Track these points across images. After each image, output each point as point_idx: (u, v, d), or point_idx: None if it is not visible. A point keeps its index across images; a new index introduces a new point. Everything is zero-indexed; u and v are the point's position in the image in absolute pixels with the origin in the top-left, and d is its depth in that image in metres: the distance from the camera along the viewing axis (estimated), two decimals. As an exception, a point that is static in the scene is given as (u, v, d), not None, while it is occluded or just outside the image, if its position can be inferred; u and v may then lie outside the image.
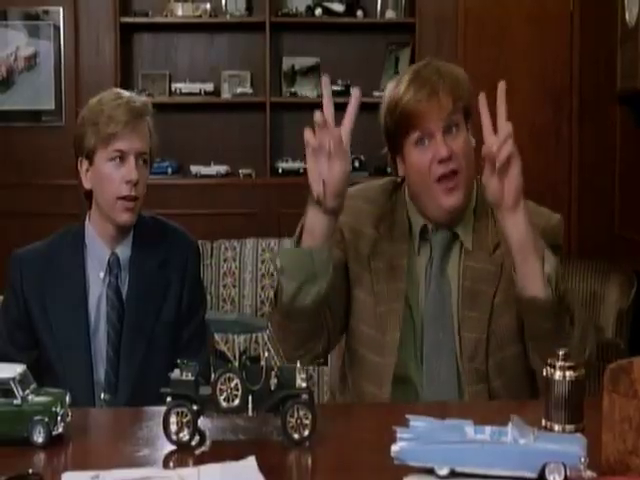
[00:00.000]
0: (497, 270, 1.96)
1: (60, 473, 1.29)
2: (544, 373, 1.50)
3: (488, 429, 1.27)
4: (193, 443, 1.44)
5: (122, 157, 2.13)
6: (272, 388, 1.44)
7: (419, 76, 1.96)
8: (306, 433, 1.43)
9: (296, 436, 1.43)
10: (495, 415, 1.38)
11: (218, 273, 4.70)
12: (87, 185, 2.19)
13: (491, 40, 5.11)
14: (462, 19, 5.11)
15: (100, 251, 2.19)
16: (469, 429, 1.28)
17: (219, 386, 1.43)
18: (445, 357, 1.95)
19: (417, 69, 2.01)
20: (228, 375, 1.43)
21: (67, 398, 1.50)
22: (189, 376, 1.45)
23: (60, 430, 1.45)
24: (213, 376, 1.44)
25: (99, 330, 2.16)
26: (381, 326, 1.96)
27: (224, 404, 1.43)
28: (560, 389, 1.47)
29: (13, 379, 1.44)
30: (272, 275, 4.68)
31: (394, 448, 1.27)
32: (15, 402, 1.44)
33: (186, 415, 1.43)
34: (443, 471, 1.25)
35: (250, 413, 1.44)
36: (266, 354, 1.44)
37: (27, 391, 1.46)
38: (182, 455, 1.42)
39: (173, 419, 1.43)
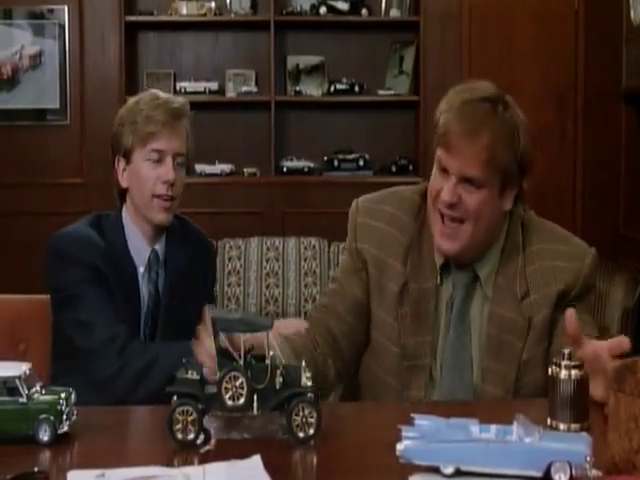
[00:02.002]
0: (525, 323, 1.85)
1: (65, 471, 1.29)
2: (549, 372, 1.50)
3: (493, 428, 1.27)
4: (198, 442, 1.44)
5: (159, 157, 2.13)
6: (277, 387, 1.44)
7: (470, 111, 1.83)
8: (311, 432, 1.43)
9: (301, 435, 1.43)
10: (500, 414, 1.38)
11: (223, 272, 4.70)
12: (124, 184, 2.19)
13: (496, 38, 5.10)
14: (466, 17, 5.11)
15: (141, 247, 2.18)
16: (474, 428, 1.27)
17: (224, 385, 1.43)
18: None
19: (473, 99, 1.86)
20: (233, 374, 1.43)
21: (72, 396, 1.50)
22: (194, 375, 1.45)
23: (65, 428, 1.45)
24: (218, 375, 1.44)
25: (140, 323, 2.17)
26: (405, 381, 1.86)
27: (229, 402, 1.43)
28: (565, 388, 1.46)
29: (19, 377, 1.45)
30: (277, 274, 4.69)
31: (399, 447, 1.27)
32: (21, 400, 1.44)
33: (191, 414, 1.43)
34: (448, 470, 1.25)
35: (255, 412, 1.44)
36: (271, 353, 1.44)
37: (33, 389, 1.46)
38: (187, 454, 1.42)
39: (178, 418, 1.43)
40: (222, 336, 1.45)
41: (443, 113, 1.85)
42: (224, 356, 1.45)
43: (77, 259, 2.10)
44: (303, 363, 1.47)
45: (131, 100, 2.21)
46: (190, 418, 1.43)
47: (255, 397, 1.43)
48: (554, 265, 1.88)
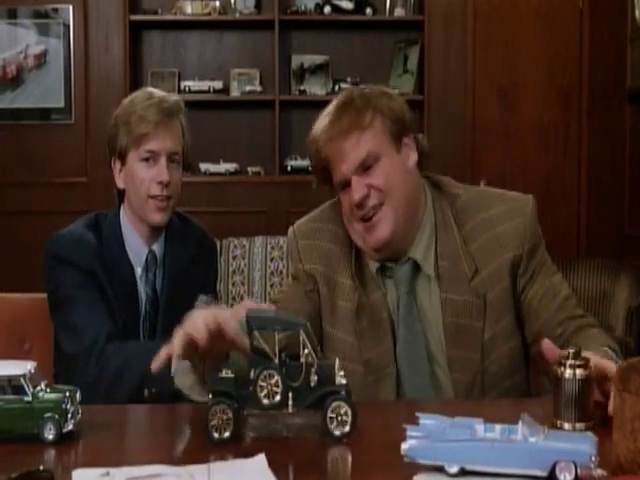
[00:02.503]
0: (480, 302, 1.83)
1: (70, 470, 1.29)
2: (554, 371, 1.50)
3: (498, 427, 1.27)
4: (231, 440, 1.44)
5: (153, 157, 2.13)
6: (312, 385, 1.44)
7: (335, 114, 1.86)
8: (347, 429, 1.44)
9: (337, 432, 1.44)
10: (505, 413, 1.38)
11: (227, 271, 4.71)
12: (120, 185, 2.18)
13: (500, 37, 5.10)
14: (471, 16, 5.10)
15: (138, 248, 2.18)
16: (479, 427, 1.27)
17: (259, 383, 1.44)
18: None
19: (335, 107, 1.89)
20: (269, 372, 1.43)
21: (77, 395, 1.50)
22: (229, 373, 1.46)
23: (70, 427, 1.45)
24: (253, 373, 1.44)
25: (139, 325, 2.17)
26: (373, 396, 1.84)
27: (265, 401, 1.44)
28: (570, 387, 1.46)
29: (24, 376, 1.45)
30: (281, 273, 4.69)
31: (404, 446, 1.27)
32: (26, 399, 1.44)
33: (227, 412, 1.44)
34: (453, 469, 1.25)
35: (290, 410, 1.44)
36: (305, 351, 1.45)
37: (38, 388, 1.46)
38: (192, 452, 1.43)
39: (214, 417, 1.43)
40: (257, 334, 1.45)
41: (312, 147, 1.89)
42: (259, 355, 1.46)
43: (71, 262, 2.10)
44: (337, 361, 1.47)
45: (125, 100, 2.21)
46: (225, 417, 1.44)
47: (290, 395, 1.44)
48: (496, 233, 1.85)
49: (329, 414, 1.44)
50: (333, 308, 1.89)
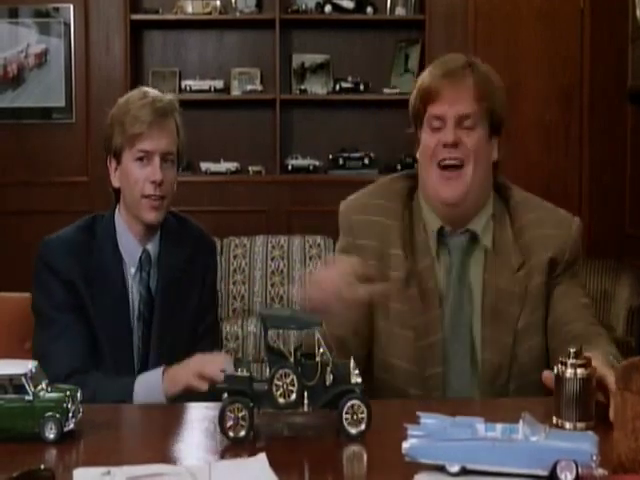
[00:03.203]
0: (522, 292, 1.90)
1: (71, 469, 1.29)
2: (555, 371, 1.50)
3: (499, 426, 1.27)
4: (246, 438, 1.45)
5: (147, 157, 2.13)
6: (327, 384, 1.45)
7: (449, 62, 1.95)
8: (362, 427, 1.44)
9: (352, 431, 1.44)
10: (506, 412, 1.38)
11: (228, 270, 4.71)
12: (115, 183, 2.19)
13: (501, 37, 5.10)
14: (472, 16, 5.10)
15: (132, 247, 2.18)
16: (480, 426, 1.27)
17: (275, 382, 1.44)
18: (463, 374, 1.89)
19: (449, 57, 1.99)
20: (284, 371, 1.44)
21: (78, 394, 1.50)
22: (244, 372, 1.46)
23: (71, 426, 1.45)
24: (268, 372, 1.45)
25: (134, 325, 2.17)
26: (422, 362, 1.89)
27: (280, 400, 1.44)
28: (571, 387, 1.46)
29: (25, 375, 1.45)
30: (282, 272, 4.69)
31: (405, 445, 1.27)
32: (27, 398, 1.44)
33: (242, 410, 1.44)
34: (454, 468, 1.25)
35: (306, 409, 1.45)
36: (320, 350, 1.45)
37: (39, 387, 1.46)
38: (193, 452, 1.43)
39: (229, 415, 1.44)
40: (271, 333, 1.45)
41: (422, 79, 1.95)
42: (274, 354, 1.46)
43: (56, 271, 2.12)
44: (352, 361, 1.47)
45: (121, 99, 2.21)
46: (241, 415, 1.44)
47: (306, 394, 1.44)
48: (543, 233, 1.94)
49: (345, 413, 1.44)
50: (384, 279, 1.91)
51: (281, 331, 1.51)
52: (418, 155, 1.95)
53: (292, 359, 1.45)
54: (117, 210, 2.22)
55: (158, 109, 2.14)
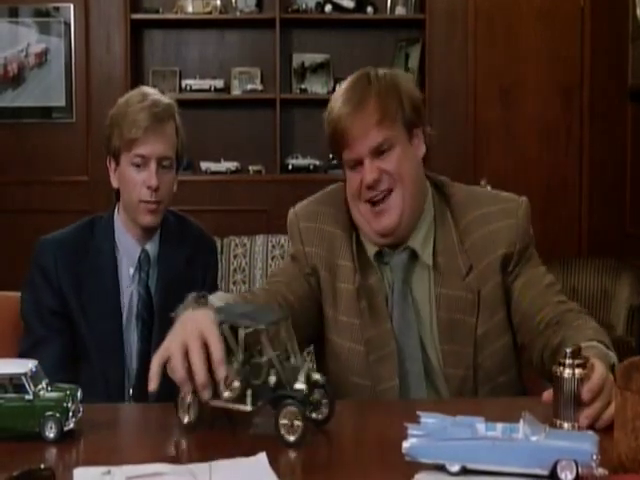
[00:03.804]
0: (474, 298, 1.85)
1: (71, 468, 1.29)
2: (553, 371, 1.49)
3: (499, 426, 1.27)
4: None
5: (144, 162, 2.13)
6: (271, 385, 1.44)
7: (350, 93, 1.85)
8: (293, 438, 1.40)
9: (288, 437, 1.41)
10: (506, 412, 1.38)
11: (228, 269, 4.71)
12: (115, 184, 2.20)
13: (501, 36, 5.10)
14: (472, 15, 5.10)
15: (131, 247, 2.19)
16: (480, 426, 1.27)
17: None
18: (419, 389, 1.85)
19: (350, 86, 1.87)
20: (229, 366, 1.43)
21: (79, 394, 1.50)
22: None
23: (71, 425, 1.45)
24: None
25: (130, 326, 2.17)
26: (376, 376, 1.85)
27: (225, 394, 1.43)
28: (569, 387, 1.46)
29: (25, 374, 1.45)
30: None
31: (405, 445, 1.27)
32: (27, 397, 1.44)
33: (191, 399, 1.47)
34: (454, 468, 1.25)
35: (249, 407, 1.43)
36: (269, 350, 1.44)
37: (39, 386, 1.46)
38: (194, 451, 1.43)
39: (182, 402, 1.49)
40: (224, 327, 1.45)
41: (329, 120, 1.87)
42: (227, 348, 1.45)
43: (45, 273, 2.14)
44: (306, 365, 1.46)
45: (121, 100, 2.21)
46: (189, 402, 1.48)
47: (249, 392, 1.43)
48: (489, 230, 1.88)
49: (281, 419, 1.41)
50: (335, 291, 1.90)
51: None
52: (346, 190, 1.91)
53: (241, 355, 1.43)
54: (117, 210, 2.22)
55: (155, 114, 2.13)
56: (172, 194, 2.21)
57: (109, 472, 1.27)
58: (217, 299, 1.63)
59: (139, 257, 2.18)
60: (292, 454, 1.40)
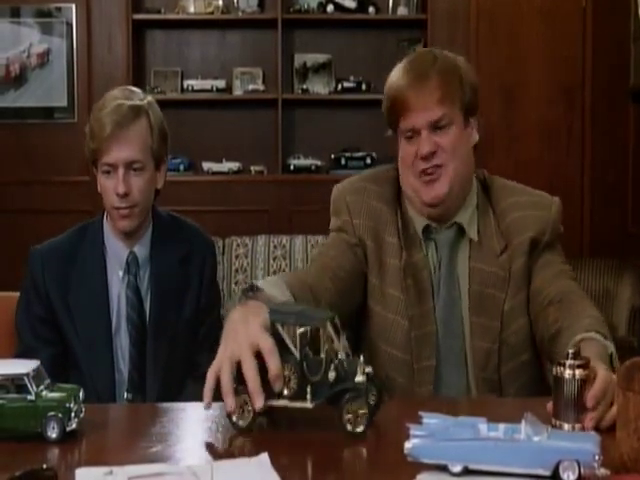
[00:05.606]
0: (505, 275, 1.92)
1: (74, 468, 1.29)
2: (553, 372, 1.49)
3: (502, 426, 1.27)
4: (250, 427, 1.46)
5: (112, 169, 2.13)
6: (331, 381, 1.44)
7: (415, 64, 1.93)
8: (361, 428, 1.43)
9: (352, 430, 1.43)
10: (509, 412, 1.38)
11: (230, 270, 4.71)
12: (98, 188, 2.20)
13: (503, 36, 5.10)
14: (474, 15, 5.10)
15: (118, 250, 2.19)
16: (482, 426, 1.27)
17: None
18: (455, 366, 1.91)
19: (415, 58, 1.96)
20: (288, 365, 1.43)
21: (81, 394, 1.50)
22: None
23: (74, 426, 1.45)
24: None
25: (120, 330, 2.16)
26: (416, 352, 1.90)
27: (285, 391, 1.44)
28: (570, 388, 1.46)
29: (27, 375, 1.45)
30: (284, 272, 4.68)
31: (407, 445, 1.27)
32: (29, 398, 1.44)
33: (247, 401, 1.44)
34: (456, 468, 1.25)
35: (309, 404, 1.44)
36: (326, 346, 1.45)
37: (41, 387, 1.46)
38: (195, 451, 1.43)
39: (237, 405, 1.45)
40: (279, 327, 1.45)
41: (390, 85, 1.95)
42: (280, 348, 1.45)
43: (35, 283, 2.17)
44: (361, 358, 1.47)
45: (97, 103, 2.18)
46: (246, 405, 1.44)
47: (309, 389, 1.44)
48: (524, 215, 1.96)
49: (345, 412, 1.43)
50: (381, 264, 1.95)
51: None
52: (399, 160, 1.96)
53: (297, 353, 1.44)
54: (105, 214, 2.23)
55: (116, 120, 2.09)
56: (151, 195, 2.18)
57: (111, 472, 1.27)
58: (269, 285, 1.65)
59: (127, 259, 2.18)
60: (294, 455, 1.40)
